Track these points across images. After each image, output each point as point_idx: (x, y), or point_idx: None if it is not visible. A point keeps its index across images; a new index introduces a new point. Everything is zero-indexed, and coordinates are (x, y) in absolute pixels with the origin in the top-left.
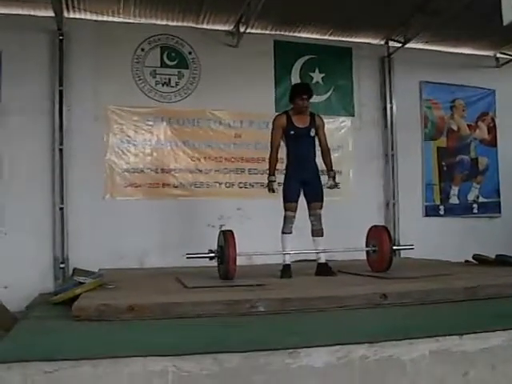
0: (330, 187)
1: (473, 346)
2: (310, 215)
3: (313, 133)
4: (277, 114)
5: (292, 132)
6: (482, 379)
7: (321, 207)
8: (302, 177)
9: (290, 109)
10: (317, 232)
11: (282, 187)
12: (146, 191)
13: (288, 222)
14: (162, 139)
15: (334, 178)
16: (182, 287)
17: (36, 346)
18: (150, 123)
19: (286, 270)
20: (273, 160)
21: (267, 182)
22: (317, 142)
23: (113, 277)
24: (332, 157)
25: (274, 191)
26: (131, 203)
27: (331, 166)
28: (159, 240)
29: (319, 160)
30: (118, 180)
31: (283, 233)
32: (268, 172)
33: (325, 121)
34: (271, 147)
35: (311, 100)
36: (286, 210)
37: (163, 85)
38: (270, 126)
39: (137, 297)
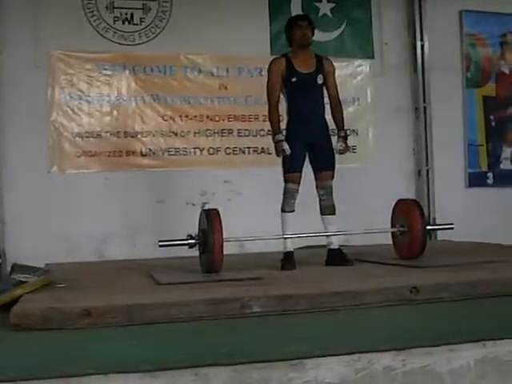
0: (341, 152)
1: None
2: (317, 188)
3: (320, 80)
4: (274, 57)
5: (294, 79)
6: None
7: (332, 177)
8: (308, 138)
9: (290, 51)
10: (327, 209)
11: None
12: (105, 161)
13: (289, 196)
14: (125, 93)
15: (345, 139)
16: (153, 284)
17: None
18: (108, 73)
19: (287, 259)
20: (274, 117)
21: (274, 143)
22: (325, 94)
23: (64, 273)
24: (345, 112)
25: (285, 152)
26: (86, 177)
27: (343, 125)
28: (123, 224)
29: (329, 117)
30: (67, 148)
31: (284, 211)
32: (272, 131)
33: (335, 65)
34: (269, 101)
35: (318, 39)
36: (286, 181)
37: (124, 22)
38: (265, 73)
39: (94, 298)
